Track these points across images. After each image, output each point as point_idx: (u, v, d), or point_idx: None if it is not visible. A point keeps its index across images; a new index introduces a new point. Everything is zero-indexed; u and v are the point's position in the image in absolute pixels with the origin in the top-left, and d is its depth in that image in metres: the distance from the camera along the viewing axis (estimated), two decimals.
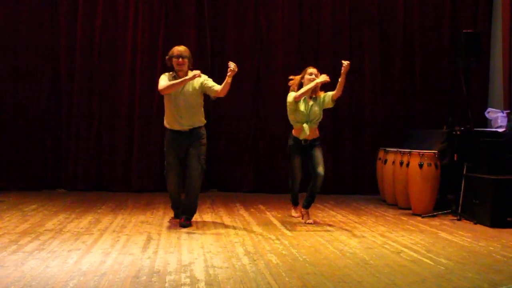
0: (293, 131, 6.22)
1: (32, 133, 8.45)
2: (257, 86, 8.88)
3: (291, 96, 6.14)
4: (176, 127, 5.78)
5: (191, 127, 5.77)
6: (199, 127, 5.83)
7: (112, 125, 8.61)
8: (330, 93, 6.13)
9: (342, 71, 5.94)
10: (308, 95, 6.12)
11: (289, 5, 8.86)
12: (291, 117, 6.22)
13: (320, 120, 6.22)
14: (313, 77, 6.09)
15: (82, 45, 8.53)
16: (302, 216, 6.22)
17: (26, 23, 8.45)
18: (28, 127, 8.44)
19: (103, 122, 8.60)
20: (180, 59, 5.73)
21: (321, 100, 6.17)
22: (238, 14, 8.84)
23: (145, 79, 8.61)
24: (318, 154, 6.10)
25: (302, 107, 6.10)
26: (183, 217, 5.84)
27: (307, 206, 6.19)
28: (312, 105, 6.13)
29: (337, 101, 6.20)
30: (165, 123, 5.88)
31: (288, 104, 6.17)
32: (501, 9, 8.51)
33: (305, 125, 6.07)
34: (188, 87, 5.73)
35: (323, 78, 5.98)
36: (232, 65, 5.53)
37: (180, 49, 5.78)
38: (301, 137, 6.11)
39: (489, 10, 8.98)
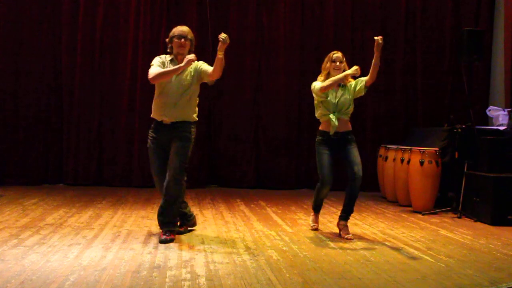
0: (321, 126, 5.38)
1: (33, 129, 8.46)
2: (258, 83, 8.87)
3: (316, 86, 5.25)
4: (162, 117, 5.01)
5: (180, 120, 4.96)
6: (189, 123, 5.00)
7: (113, 120, 8.61)
8: (363, 79, 5.32)
9: (375, 49, 5.14)
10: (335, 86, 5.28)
11: (290, 3, 8.85)
12: (317, 111, 5.38)
13: (351, 110, 5.37)
14: (337, 64, 5.28)
15: (83, 42, 8.55)
16: (339, 230, 5.32)
17: (27, 21, 8.45)
18: (29, 122, 8.45)
19: (104, 118, 8.61)
20: (182, 40, 5.05)
21: (352, 87, 5.34)
22: (240, 11, 8.83)
23: (146, 76, 8.57)
24: (354, 151, 5.24)
25: (329, 96, 5.28)
26: (163, 229, 4.92)
27: (346, 217, 5.32)
28: (341, 93, 5.31)
29: (369, 88, 5.40)
30: (152, 113, 5.16)
31: (314, 96, 5.33)
32: (503, 7, 8.49)
33: (331, 116, 5.22)
34: (184, 72, 4.98)
35: (354, 70, 5.14)
36: (223, 35, 4.79)
37: (182, 29, 5.13)
38: (331, 130, 5.25)
39: (491, 9, 8.96)
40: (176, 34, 5.13)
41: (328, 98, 5.27)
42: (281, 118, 8.75)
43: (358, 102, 8.72)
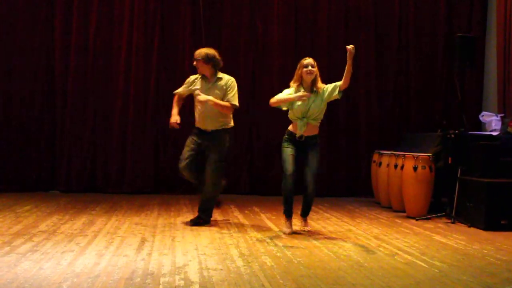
0: (290, 126, 5.73)
1: (26, 135, 8.42)
2: (252, 87, 8.88)
3: (271, 99, 5.67)
4: (201, 126, 6.01)
5: (214, 129, 5.95)
6: (222, 130, 5.98)
7: (106, 126, 8.59)
8: (337, 84, 5.51)
9: (347, 57, 5.33)
10: (308, 90, 5.56)
11: (284, 6, 8.86)
12: (289, 113, 5.71)
13: (321, 117, 5.65)
14: (310, 68, 5.54)
15: (77, 45, 8.52)
16: (301, 223, 5.83)
17: (21, 23, 8.43)
18: (21, 128, 8.41)
19: (97, 124, 8.58)
20: (194, 62, 6.00)
21: (325, 92, 5.56)
22: (234, 15, 8.84)
23: (139, 80, 8.61)
24: (312, 158, 5.57)
25: (299, 102, 5.54)
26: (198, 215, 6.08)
27: (303, 214, 5.80)
28: (313, 100, 5.54)
29: (344, 92, 5.58)
30: (196, 123, 6.09)
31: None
32: (496, 13, 8.55)
33: (299, 122, 5.57)
34: (215, 90, 5.92)
35: (301, 94, 5.47)
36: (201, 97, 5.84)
37: (196, 52, 6.02)
38: (297, 134, 5.60)
39: (483, 15, 9.03)
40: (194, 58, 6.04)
41: (299, 104, 5.54)
42: (274, 123, 8.73)
43: (352, 108, 8.86)
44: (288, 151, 5.62)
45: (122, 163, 8.57)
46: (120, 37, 8.60)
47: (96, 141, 8.58)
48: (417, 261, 4.56)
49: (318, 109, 5.57)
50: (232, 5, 8.84)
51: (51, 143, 8.53)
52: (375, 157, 7.87)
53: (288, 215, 5.69)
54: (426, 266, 4.42)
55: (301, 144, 5.62)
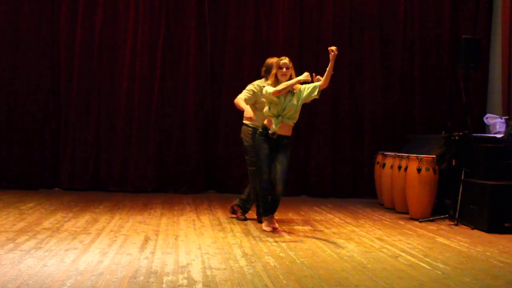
0: (265, 121, 5.70)
1: (30, 132, 8.45)
2: None
3: (268, 90, 5.54)
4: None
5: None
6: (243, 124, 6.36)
7: (110, 125, 8.60)
8: (316, 85, 5.56)
9: (330, 58, 5.39)
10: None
11: (289, 6, 8.86)
12: (265, 109, 5.71)
13: (296, 117, 5.68)
14: (284, 70, 5.60)
15: (82, 44, 8.54)
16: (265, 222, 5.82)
17: (26, 21, 8.45)
18: (26, 126, 8.43)
19: (101, 122, 8.60)
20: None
21: (302, 92, 5.60)
22: (239, 14, 8.84)
23: (144, 78, 8.62)
24: (284, 157, 5.63)
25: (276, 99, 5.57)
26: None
27: (272, 211, 5.84)
28: (289, 99, 5.58)
29: (322, 92, 5.65)
30: None
31: (265, 99, 5.70)
32: (501, 15, 8.53)
33: (273, 120, 5.56)
34: None
35: (305, 77, 5.51)
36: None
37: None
38: (271, 130, 5.59)
39: (488, 16, 9.01)
40: None
41: (276, 102, 5.54)
42: None
43: (356, 109, 8.85)
44: (263, 149, 5.66)
45: (125, 161, 8.58)
46: (125, 34, 8.62)
47: (100, 139, 8.59)
48: (420, 263, 4.56)
49: (293, 109, 5.60)
50: (237, 4, 8.84)
51: (55, 141, 8.55)
52: (379, 158, 7.87)
53: (267, 214, 5.83)
54: (429, 268, 4.42)
55: (273, 142, 5.65)
